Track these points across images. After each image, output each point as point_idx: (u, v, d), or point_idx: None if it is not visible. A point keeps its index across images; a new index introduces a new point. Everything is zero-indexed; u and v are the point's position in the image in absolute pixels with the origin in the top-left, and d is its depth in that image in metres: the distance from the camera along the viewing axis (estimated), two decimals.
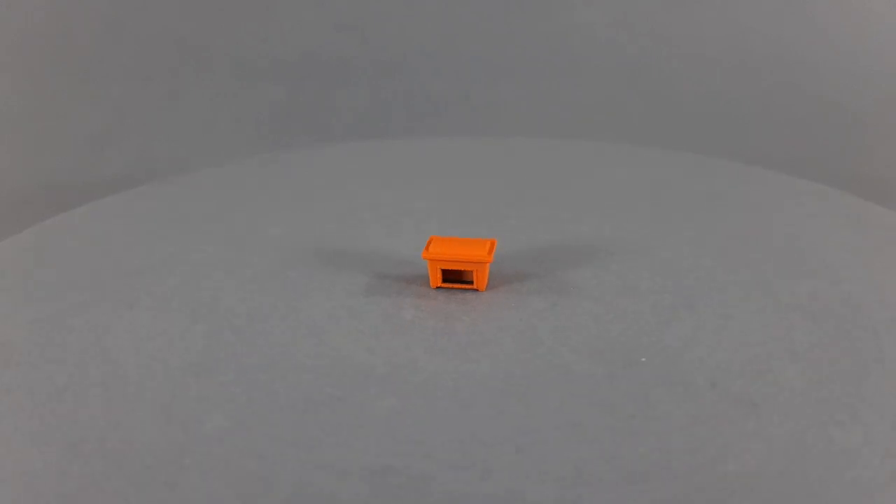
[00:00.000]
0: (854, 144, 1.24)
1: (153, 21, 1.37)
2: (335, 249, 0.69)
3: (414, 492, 0.44)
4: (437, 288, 0.62)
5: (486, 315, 0.59)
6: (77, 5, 1.36)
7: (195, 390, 0.52)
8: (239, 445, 0.47)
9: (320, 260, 0.67)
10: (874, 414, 0.49)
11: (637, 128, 1.29)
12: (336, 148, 0.99)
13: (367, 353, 0.55)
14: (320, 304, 0.61)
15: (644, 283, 0.63)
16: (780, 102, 1.31)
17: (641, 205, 0.77)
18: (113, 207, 0.79)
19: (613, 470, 0.45)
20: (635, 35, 1.37)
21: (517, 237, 0.70)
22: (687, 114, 1.30)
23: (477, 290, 0.62)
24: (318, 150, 1.00)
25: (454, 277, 0.63)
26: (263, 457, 0.46)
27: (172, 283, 0.64)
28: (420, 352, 0.55)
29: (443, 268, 0.62)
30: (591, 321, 0.58)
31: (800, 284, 0.62)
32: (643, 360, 0.54)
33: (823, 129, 1.26)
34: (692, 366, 0.53)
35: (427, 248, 0.62)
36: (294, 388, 0.51)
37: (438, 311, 0.60)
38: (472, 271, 0.62)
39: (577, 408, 0.49)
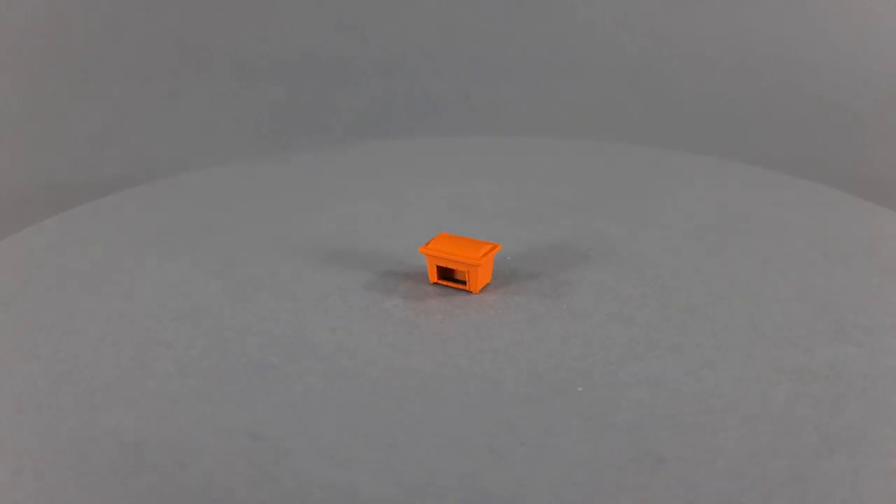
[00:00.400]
0: (854, 144, 1.24)
1: (153, 21, 1.37)
2: (335, 248, 0.69)
3: (269, 464, 0.45)
4: (435, 284, 0.63)
5: (461, 317, 0.59)
6: (77, 5, 1.36)
7: (170, 336, 0.57)
8: (165, 389, 0.52)
9: (321, 258, 0.67)
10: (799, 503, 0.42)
11: (637, 128, 1.29)
12: (336, 148, 0.99)
13: (326, 332, 0.57)
14: (313, 290, 0.63)
15: (637, 307, 0.60)
16: (780, 102, 1.31)
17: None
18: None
19: (460, 489, 0.44)
20: (635, 35, 1.37)
21: (517, 237, 0.70)
22: (687, 114, 1.30)
23: (470, 291, 0.62)
24: (318, 150, 1.00)
25: (449, 276, 0.63)
26: (176, 402, 0.51)
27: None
28: (371, 340, 0.56)
29: (437, 265, 0.62)
30: (558, 342, 0.56)
31: (802, 322, 0.58)
32: (580, 389, 0.51)
33: (823, 129, 1.26)
34: (625, 407, 0.49)
35: (428, 242, 0.62)
36: (243, 351, 0.55)
37: (417, 308, 0.60)
38: (464, 272, 0.61)
39: (473, 423, 0.49)
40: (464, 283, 0.62)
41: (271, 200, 0.80)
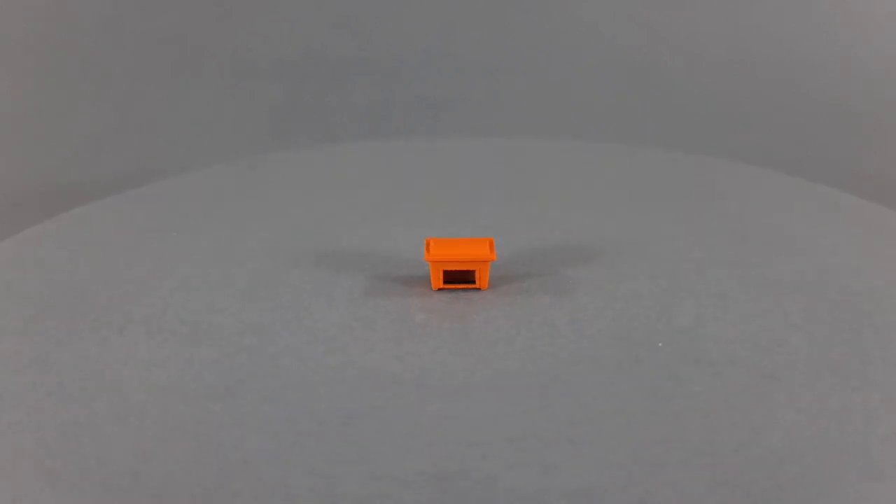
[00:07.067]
0: (854, 144, 1.24)
1: (153, 21, 1.37)
2: (335, 250, 0.69)
3: (482, 493, 0.43)
4: (439, 290, 0.62)
5: (497, 312, 0.59)
6: (77, 5, 1.36)
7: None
8: (287, 463, 0.45)
9: (320, 261, 0.67)
10: (883, 374, 0.52)
11: (637, 128, 1.29)
12: (336, 148, 0.99)
13: (394, 361, 0.54)
14: (325, 310, 0.60)
15: (642, 281, 0.63)
16: (780, 102, 1.31)
17: (641, 205, 0.77)
18: (113, 207, 0.79)
19: (667, 452, 0.46)
20: (636, 35, 1.37)
21: (516, 237, 0.70)
22: (687, 114, 1.30)
23: (479, 288, 0.62)
24: (318, 150, 1.00)
25: (457, 278, 0.63)
26: (315, 473, 0.45)
27: (171, 285, 0.64)
28: (445, 354, 0.55)
29: (446, 269, 0.62)
30: (596, 313, 0.59)
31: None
32: (660, 344, 0.55)
33: (823, 129, 1.26)
34: (709, 344, 0.55)
35: (428, 250, 0.62)
36: (328, 403, 0.50)
37: (448, 312, 0.60)
38: (474, 271, 0.62)
39: (615, 394, 0.50)
40: (471, 282, 0.62)
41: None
